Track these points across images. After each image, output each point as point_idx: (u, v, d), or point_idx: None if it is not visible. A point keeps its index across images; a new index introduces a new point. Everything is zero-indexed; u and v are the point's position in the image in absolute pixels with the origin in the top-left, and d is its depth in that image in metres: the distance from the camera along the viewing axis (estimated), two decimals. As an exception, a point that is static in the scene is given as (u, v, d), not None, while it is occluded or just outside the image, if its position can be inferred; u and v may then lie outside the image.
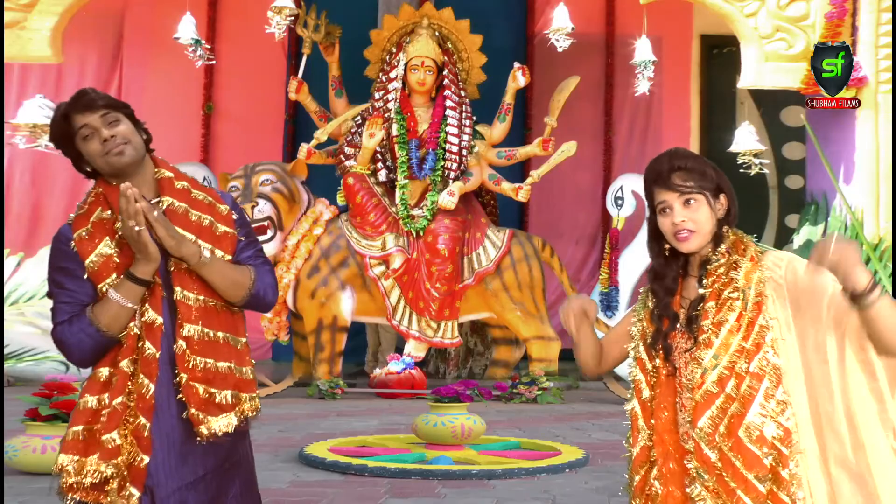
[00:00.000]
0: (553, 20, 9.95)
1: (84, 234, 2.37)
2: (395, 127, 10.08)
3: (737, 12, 10.23)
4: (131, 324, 2.34)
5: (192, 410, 2.34)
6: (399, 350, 10.24)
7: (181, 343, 2.35)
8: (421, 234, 9.93)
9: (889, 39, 10.01)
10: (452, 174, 10.06)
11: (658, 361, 2.27)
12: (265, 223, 9.62)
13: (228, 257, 2.46)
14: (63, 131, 2.40)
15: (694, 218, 2.23)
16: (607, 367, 2.48)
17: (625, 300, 10.38)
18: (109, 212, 2.39)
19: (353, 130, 10.28)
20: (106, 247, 2.36)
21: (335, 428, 7.29)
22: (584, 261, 12.83)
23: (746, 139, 10.62)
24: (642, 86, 10.16)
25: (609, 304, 10.34)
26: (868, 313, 2.08)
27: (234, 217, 2.52)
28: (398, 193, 10.04)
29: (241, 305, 2.49)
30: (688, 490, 2.16)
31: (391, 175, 10.16)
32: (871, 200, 10.08)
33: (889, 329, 2.08)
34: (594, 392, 9.90)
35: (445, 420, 5.92)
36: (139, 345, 2.33)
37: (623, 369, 10.33)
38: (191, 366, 2.35)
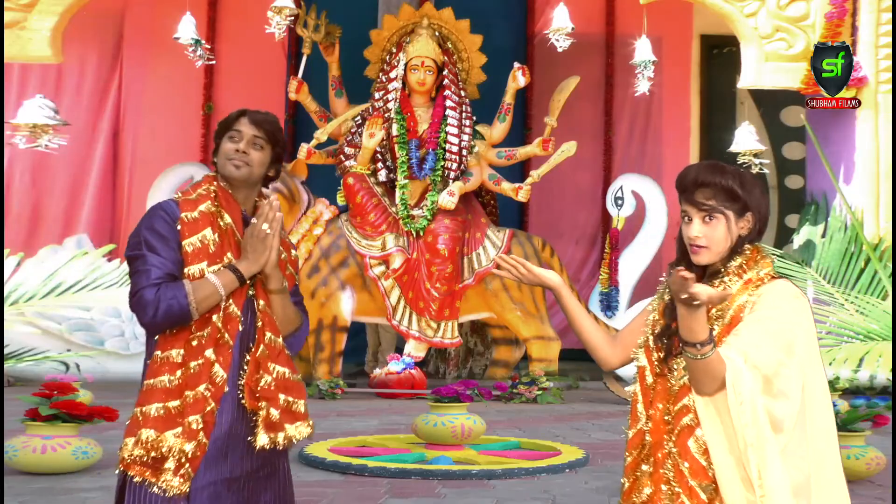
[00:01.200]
0: (553, 20, 9.94)
1: (190, 217, 2.50)
2: (395, 127, 10.08)
3: (737, 12, 10.23)
4: (215, 316, 2.46)
5: (274, 413, 2.45)
6: (399, 350, 10.24)
7: (263, 348, 2.48)
8: (421, 234, 9.93)
9: (889, 39, 10.01)
10: (452, 174, 10.06)
11: (662, 353, 2.34)
12: (265, 223, 9.60)
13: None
14: (228, 123, 2.63)
15: (710, 235, 2.25)
16: (625, 360, 2.50)
17: (625, 300, 10.38)
18: (216, 208, 2.54)
19: (353, 130, 10.28)
20: (207, 235, 2.50)
21: (335, 428, 7.29)
22: (584, 261, 12.83)
23: (746, 139, 10.63)
24: (642, 86, 10.16)
25: (609, 304, 10.34)
26: (699, 364, 2.12)
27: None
28: (398, 193, 10.04)
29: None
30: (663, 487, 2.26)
31: (391, 175, 10.16)
32: (871, 200, 10.09)
33: (706, 379, 2.14)
34: (594, 392, 9.90)
35: (445, 420, 5.92)
36: (218, 336, 2.45)
37: (623, 369, 10.34)
38: (273, 370, 2.48)
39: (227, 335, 2.45)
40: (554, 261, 10.54)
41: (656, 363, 2.31)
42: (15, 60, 10.65)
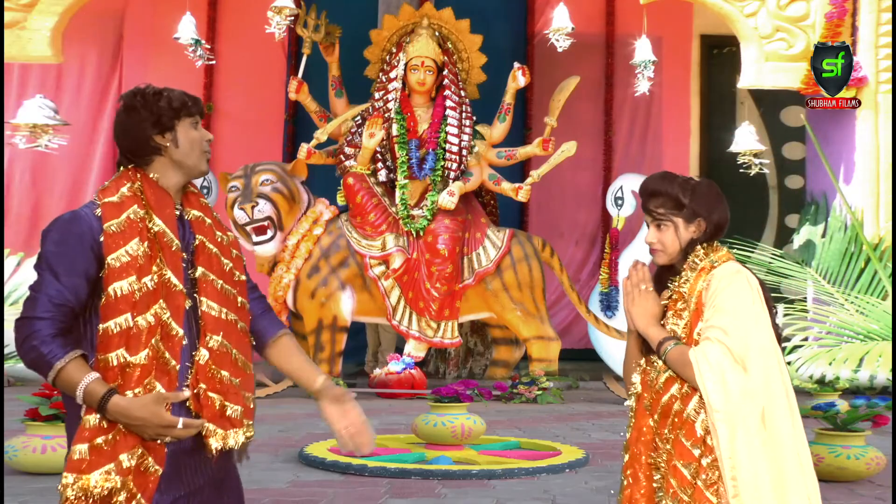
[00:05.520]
0: (553, 20, 9.94)
1: (115, 228, 2.23)
2: (395, 127, 10.08)
3: (737, 12, 10.23)
4: (153, 339, 2.24)
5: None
6: (399, 350, 10.24)
7: (204, 352, 2.30)
8: (421, 234, 9.93)
9: (889, 39, 10.01)
10: (452, 174, 10.06)
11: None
12: (265, 223, 9.61)
13: (242, 300, 2.43)
14: (183, 105, 2.36)
15: (662, 240, 2.55)
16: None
17: (625, 300, 10.37)
18: (144, 211, 2.28)
19: (353, 130, 10.28)
20: (135, 247, 2.23)
21: (335, 428, 7.27)
22: (584, 261, 12.83)
23: (746, 139, 10.62)
24: (642, 86, 10.15)
25: (609, 304, 10.33)
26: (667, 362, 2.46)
27: (243, 258, 2.53)
28: (398, 193, 10.04)
29: None
30: (654, 484, 2.45)
31: (391, 175, 10.16)
32: (871, 200, 10.09)
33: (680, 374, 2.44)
34: (594, 392, 9.91)
35: (445, 420, 5.92)
36: (159, 360, 2.26)
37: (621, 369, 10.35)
38: (211, 376, 2.30)
39: (167, 354, 2.25)
40: (554, 261, 10.54)
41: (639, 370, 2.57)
42: (15, 60, 10.65)
